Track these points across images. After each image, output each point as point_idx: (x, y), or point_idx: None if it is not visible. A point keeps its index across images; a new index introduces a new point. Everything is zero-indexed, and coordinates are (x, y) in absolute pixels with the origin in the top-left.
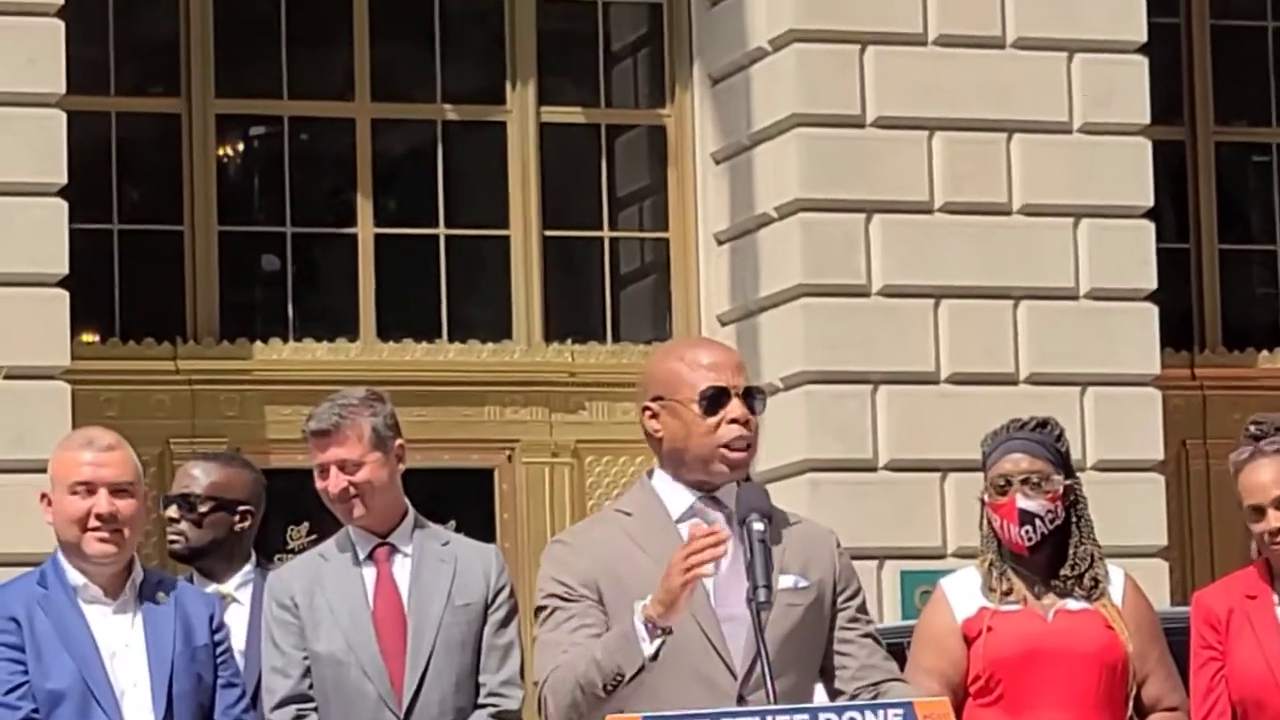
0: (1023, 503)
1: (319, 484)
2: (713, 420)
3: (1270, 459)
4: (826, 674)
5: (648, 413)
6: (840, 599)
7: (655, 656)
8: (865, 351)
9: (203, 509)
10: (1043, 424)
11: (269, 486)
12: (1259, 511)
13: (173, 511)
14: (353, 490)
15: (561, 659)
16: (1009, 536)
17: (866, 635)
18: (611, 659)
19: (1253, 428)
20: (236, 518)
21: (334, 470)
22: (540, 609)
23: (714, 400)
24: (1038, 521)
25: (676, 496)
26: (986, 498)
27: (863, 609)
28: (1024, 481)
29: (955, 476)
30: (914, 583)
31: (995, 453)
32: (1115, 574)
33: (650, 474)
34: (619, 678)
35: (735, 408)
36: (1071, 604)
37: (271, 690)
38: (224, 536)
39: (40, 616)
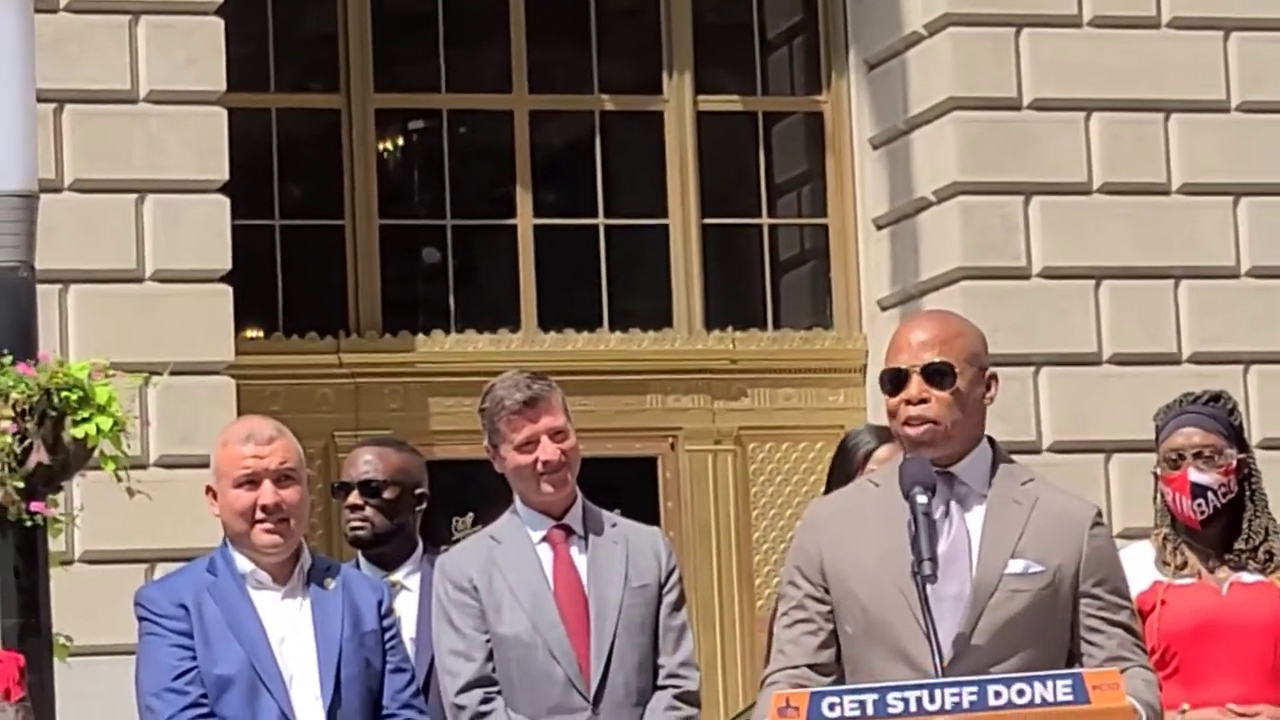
0: (1195, 476)
1: (519, 460)
2: (895, 401)
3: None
4: (1077, 660)
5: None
6: (1086, 584)
7: None
8: (1026, 334)
9: (387, 494)
10: (1215, 397)
11: (434, 478)
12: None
13: (354, 498)
14: (563, 459)
15: (775, 676)
16: (1182, 510)
17: (1118, 624)
18: None
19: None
20: (414, 502)
21: (545, 439)
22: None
23: (893, 381)
24: (1210, 495)
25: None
26: (1159, 471)
27: (1118, 593)
28: (1196, 455)
29: (1119, 457)
30: None
31: (1168, 426)
32: None
33: None
34: None
35: (912, 387)
36: (1246, 577)
37: (454, 674)
38: (405, 522)
39: (209, 603)
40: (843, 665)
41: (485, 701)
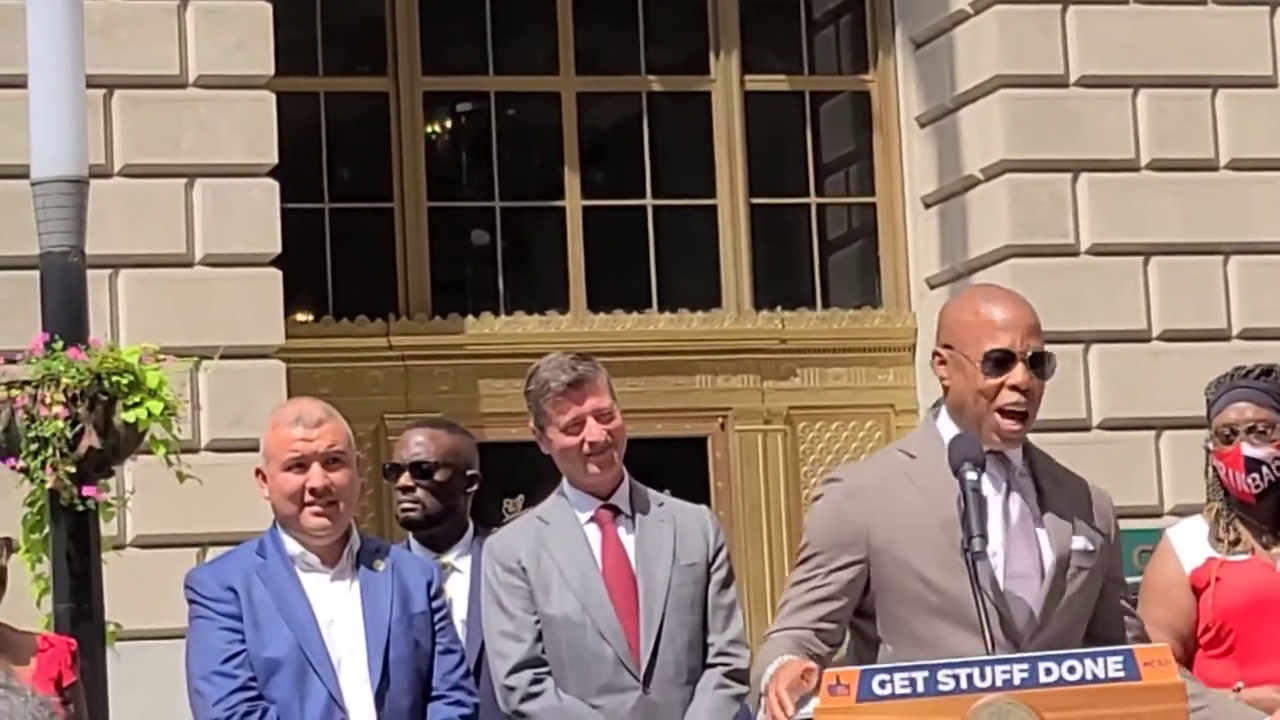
0: (1249, 450)
1: (566, 441)
2: (994, 382)
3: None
4: (1094, 641)
5: (937, 358)
6: (1114, 569)
7: None
8: (1075, 311)
9: (438, 476)
10: (1267, 371)
11: (484, 460)
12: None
13: (406, 479)
14: (609, 440)
15: (776, 635)
16: (1235, 484)
17: (1134, 613)
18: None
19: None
20: (465, 484)
21: (591, 420)
22: (802, 546)
23: (999, 363)
24: (1264, 469)
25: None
26: (1211, 446)
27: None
28: (1250, 430)
29: (1170, 434)
30: (1132, 542)
31: (1220, 401)
32: None
33: (935, 413)
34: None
35: (1019, 373)
36: None
37: (504, 655)
38: (457, 503)
39: (258, 586)
40: (864, 635)
41: (535, 682)
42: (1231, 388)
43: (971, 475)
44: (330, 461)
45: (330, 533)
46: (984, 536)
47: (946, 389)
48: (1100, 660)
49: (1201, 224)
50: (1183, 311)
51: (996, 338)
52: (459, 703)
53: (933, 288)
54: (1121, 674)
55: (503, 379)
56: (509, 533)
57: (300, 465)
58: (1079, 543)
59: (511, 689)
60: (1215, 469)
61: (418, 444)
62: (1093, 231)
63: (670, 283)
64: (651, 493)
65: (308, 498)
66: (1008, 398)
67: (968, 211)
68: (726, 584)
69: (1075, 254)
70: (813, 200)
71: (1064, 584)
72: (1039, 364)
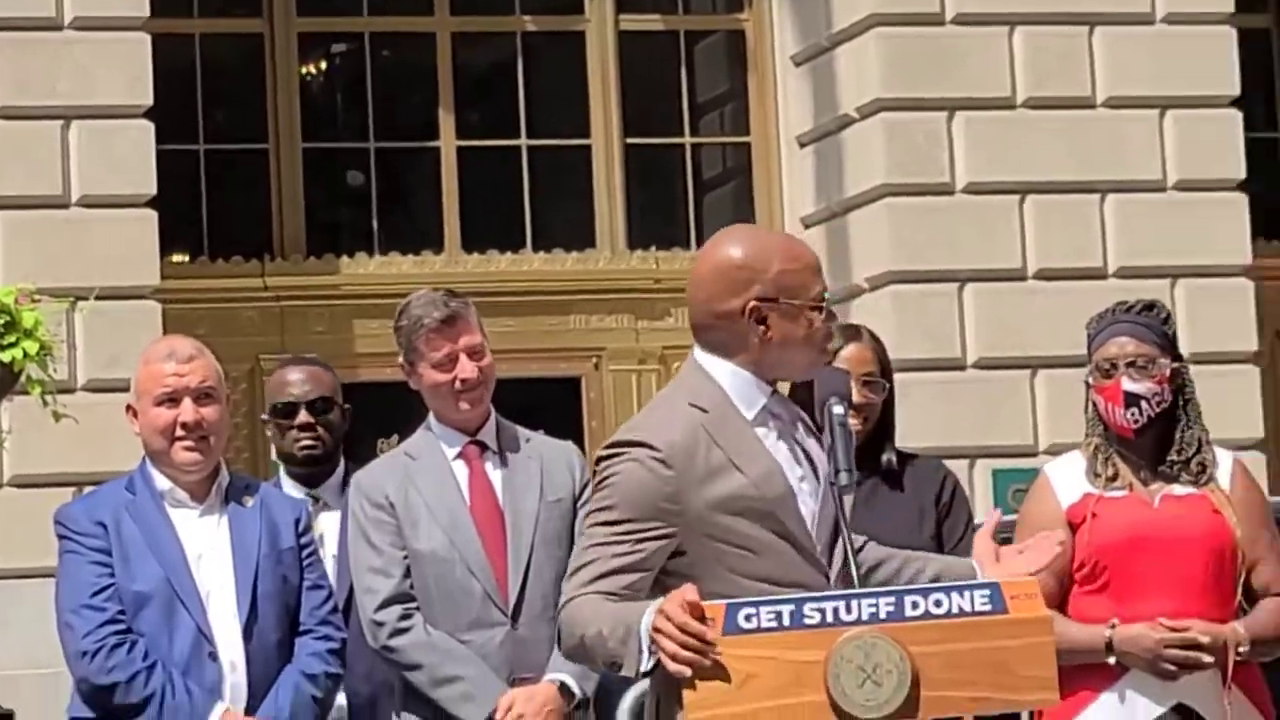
0: (1128, 385)
1: (437, 378)
2: (824, 326)
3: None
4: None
5: (752, 313)
6: None
7: (651, 672)
8: (951, 250)
9: (333, 414)
10: (1150, 306)
11: (359, 400)
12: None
13: (304, 416)
14: (481, 376)
15: (589, 597)
16: (1115, 419)
17: None
18: (611, 648)
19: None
20: (346, 421)
21: (464, 357)
22: (600, 498)
23: (825, 305)
24: (1144, 404)
25: (747, 394)
26: (1091, 380)
27: None
28: (1130, 364)
29: (1045, 373)
30: (1006, 481)
31: (1101, 335)
32: (1224, 458)
33: (698, 357)
34: (615, 667)
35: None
36: (1178, 489)
37: (372, 590)
38: (343, 439)
39: (128, 521)
40: (668, 590)
41: (404, 618)
42: (1114, 322)
43: (838, 409)
44: (201, 397)
45: (200, 468)
46: (850, 471)
47: (764, 341)
48: (967, 594)
49: (1078, 162)
50: (1059, 250)
51: (819, 281)
52: (326, 637)
53: (808, 227)
54: (988, 607)
55: (377, 319)
56: (376, 468)
57: (172, 400)
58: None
59: (380, 624)
60: (1095, 404)
61: (304, 381)
62: (969, 170)
63: (545, 223)
64: (518, 429)
65: (178, 433)
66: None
67: (843, 150)
68: None
69: (951, 193)
70: (687, 140)
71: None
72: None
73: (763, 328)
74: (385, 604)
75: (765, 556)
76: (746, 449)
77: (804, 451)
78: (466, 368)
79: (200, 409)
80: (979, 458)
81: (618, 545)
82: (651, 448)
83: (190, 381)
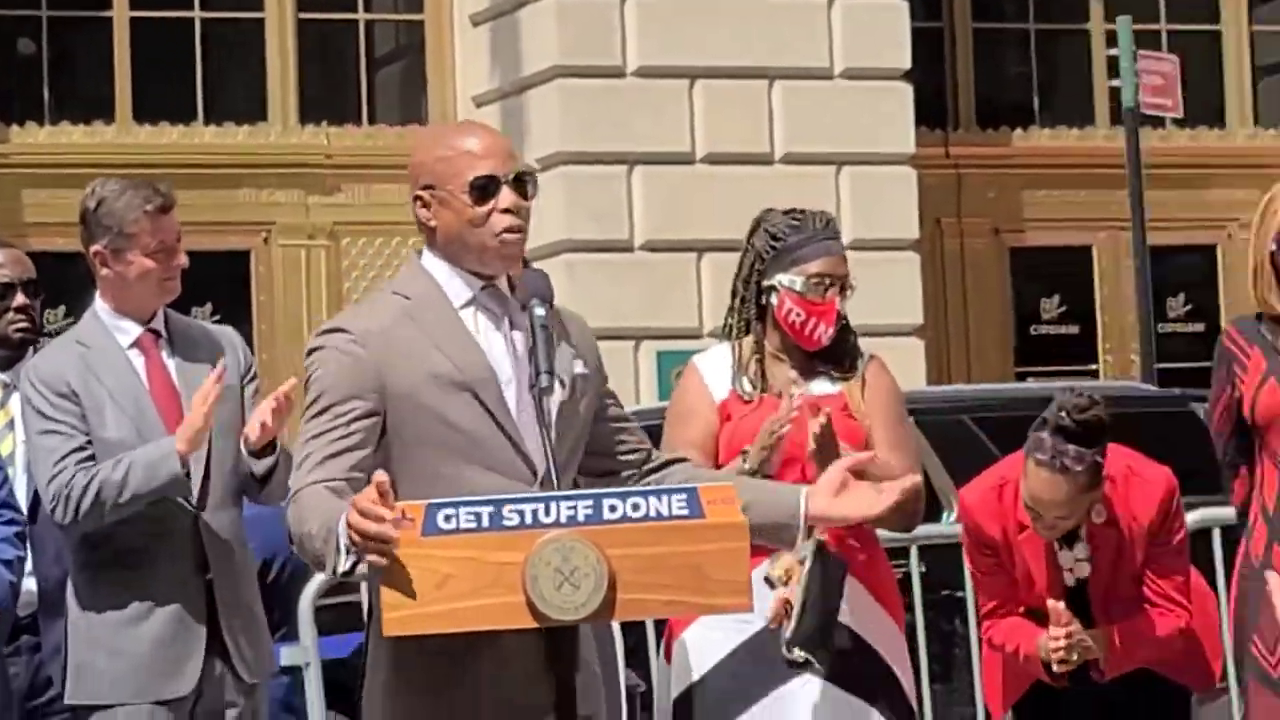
0: (841, 305)
1: (148, 265)
2: (483, 210)
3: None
4: (599, 456)
5: (419, 202)
6: (604, 383)
7: (351, 572)
8: (621, 132)
9: (41, 296)
10: (830, 222)
11: None
12: (1035, 514)
13: (20, 298)
14: (186, 264)
15: (310, 488)
16: (814, 335)
17: (626, 417)
18: (318, 547)
19: (1063, 416)
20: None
21: (179, 248)
22: (310, 394)
23: (484, 190)
24: (837, 320)
25: (456, 285)
26: (798, 290)
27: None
28: (841, 286)
29: (711, 256)
30: (670, 363)
31: (810, 248)
32: (865, 355)
33: (420, 255)
34: (324, 567)
35: (506, 196)
36: (817, 388)
37: (53, 449)
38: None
39: None
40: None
41: (88, 459)
42: (825, 237)
43: (540, 311)
44: None
45: None
46: (551, 372)
47: (434, 230)
48: (665, 498)
49: (748, 48)
50: (727, 135)
51: (477, 166)
52: (11, 520)
53: (480, 106)
54: (685, 512)
55: (46, 189)
56: (53, 355)
57: None
58: (578, 366)
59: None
60: (790, 313)
61: (15, 263)
62: (641, 54)
63: (216, 96)
64: (182, 317)
65: None
66: (502, 221)
67: (518, 31)
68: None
69: (622, 75)
70: (361, 16)
71: (576, 409)
72: (522, 184)
73: (428, 215)
74: (68, 455)
75: (470, 440)
76: (447, 332)
77: (516, 350)
78: (183, 258)
79: None
80: (644, 339)
81: (331, 432)
82: (346, 332)
83: None
